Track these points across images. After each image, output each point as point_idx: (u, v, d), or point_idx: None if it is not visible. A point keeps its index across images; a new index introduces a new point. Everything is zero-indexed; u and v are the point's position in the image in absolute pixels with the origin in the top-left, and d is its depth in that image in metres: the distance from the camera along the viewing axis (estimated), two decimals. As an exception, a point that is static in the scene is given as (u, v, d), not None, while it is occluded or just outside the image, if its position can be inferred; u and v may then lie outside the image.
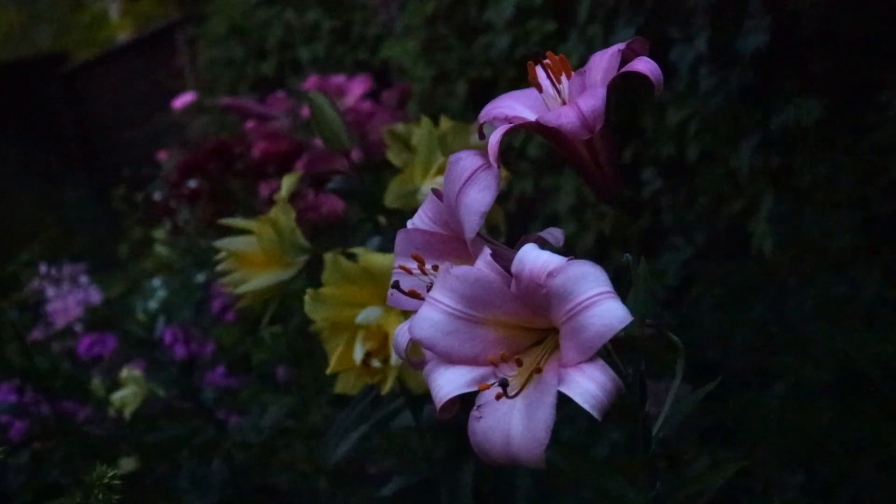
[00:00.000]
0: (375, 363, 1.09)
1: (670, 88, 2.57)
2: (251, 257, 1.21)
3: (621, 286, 0.79)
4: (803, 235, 2.09)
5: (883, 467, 1.34)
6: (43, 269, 2.72)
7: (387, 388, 1.10)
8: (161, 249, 2.99)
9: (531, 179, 3.26)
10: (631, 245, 2.84)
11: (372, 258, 1.09)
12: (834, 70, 2.12)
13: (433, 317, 0.71)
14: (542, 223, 3.31)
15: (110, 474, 0.84)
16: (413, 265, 0.77)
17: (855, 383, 1.44)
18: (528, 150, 3.17)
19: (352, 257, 1.12)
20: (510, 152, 3.23)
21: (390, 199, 1.24)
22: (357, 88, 2.34)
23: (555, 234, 0.83)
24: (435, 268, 0.75)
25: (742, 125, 2.28)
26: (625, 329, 0.79)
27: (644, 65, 0.72)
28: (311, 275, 1.22)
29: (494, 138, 0.72)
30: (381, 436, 1.78)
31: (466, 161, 0.74)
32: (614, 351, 0.78)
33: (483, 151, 0.74)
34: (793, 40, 2.15)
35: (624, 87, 0.76)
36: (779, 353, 1.59)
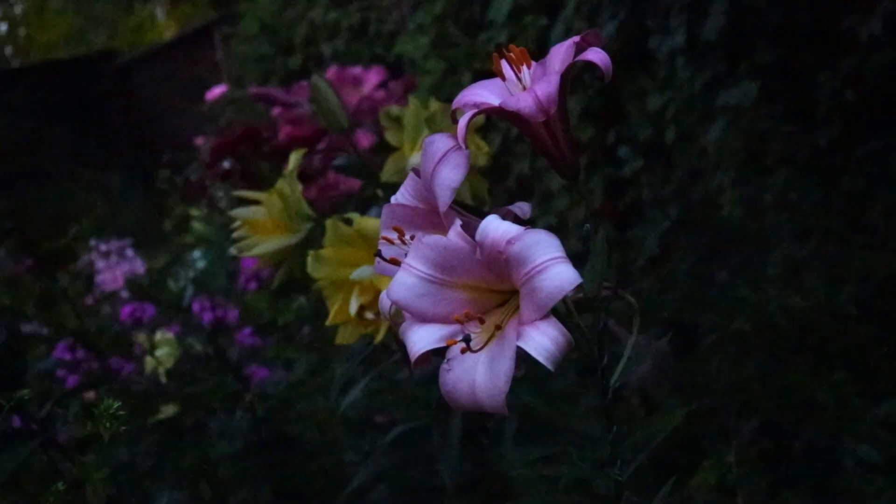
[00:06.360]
0: (369, 315, 1.10)
1: (650, 77, 2.56)
2: (262, 224, 1.23)
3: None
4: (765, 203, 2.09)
5: (835, 415, 1.34)
6: (93, 243, 2.75)
7: (379, 337, 1.11)
8: (198, 225, 3.01)
9: (528, 160, 3.25)
10: (605, 218, 2.85)
11: (365, 222, 1.11)
12: (779, 57, 2.12)
13: (407, 280, 0.72)
14: (537, 199, 3.31)
15: (116, 406, 0.84)
16: (394, 236, 0.78)
17: (782, 337, 1.44)
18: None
19: (349, 223, 1.13)
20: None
21: (387, 174, 1.26)
22: (372, 78, 2.33)
23: (522, 208, 0.83)
24: (413, 238, 0.76)
25: (712, 109, 2.28)
26: (583, 291, 0.80)
27: (595, 55, 0.72)
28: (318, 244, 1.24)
29: (462, 123, 0.73)
30: (388, 389, 1.80)
31: (439, 143, 0.75)
32: (575, 311, 0.79)
33: (455, 134, 0.75)
34: (748, 31, 2.15)
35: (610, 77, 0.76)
36: (709, 311, 1.60)
